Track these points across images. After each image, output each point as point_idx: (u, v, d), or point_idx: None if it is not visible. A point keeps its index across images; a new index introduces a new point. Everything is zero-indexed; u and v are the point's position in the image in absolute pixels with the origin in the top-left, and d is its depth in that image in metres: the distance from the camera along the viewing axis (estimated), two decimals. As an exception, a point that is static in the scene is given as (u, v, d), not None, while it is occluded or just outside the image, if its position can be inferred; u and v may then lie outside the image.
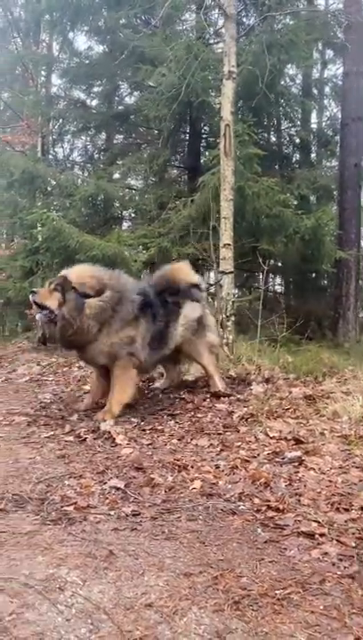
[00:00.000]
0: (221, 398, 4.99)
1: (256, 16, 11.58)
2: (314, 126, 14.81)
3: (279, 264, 11.83)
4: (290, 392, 5.17)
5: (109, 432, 3.92)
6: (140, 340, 4.60)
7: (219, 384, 5.21)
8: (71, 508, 2.58)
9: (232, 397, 5.10)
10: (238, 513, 2.51)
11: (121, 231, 10.87)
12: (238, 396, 5.16)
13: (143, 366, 4.75)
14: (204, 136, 12.70)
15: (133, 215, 11.98)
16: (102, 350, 4.47)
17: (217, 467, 3.23)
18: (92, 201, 11.77)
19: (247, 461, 3.28)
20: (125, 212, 11.93)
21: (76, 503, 2.65)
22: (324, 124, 14.56)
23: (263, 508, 2.57)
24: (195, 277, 5.39)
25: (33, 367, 7.96)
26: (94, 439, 3.88)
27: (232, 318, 6.81)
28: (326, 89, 15.39)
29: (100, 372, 4.83)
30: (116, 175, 13.02)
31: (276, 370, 6.10)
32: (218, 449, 3.60)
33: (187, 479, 3.01)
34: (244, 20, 12.06)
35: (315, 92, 14.84)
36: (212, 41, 12.31)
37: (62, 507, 2.63)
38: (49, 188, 12.73)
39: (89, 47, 14.03)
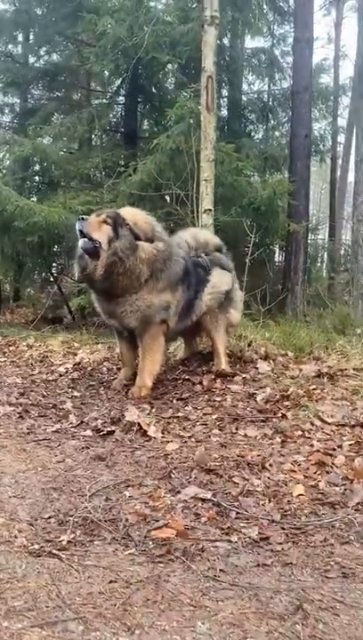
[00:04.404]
0: (228, 378, 4.46)
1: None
2: (253, 95, 14.35)
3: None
4: (300, 370, 4.71)
5: (139, 424, 3.24)
6: (174, 307, 4.18)
7: (224, 363, 4.67)
8: (171, 534, 1.92)
9: (238, 377, 4.58)
10: (395, 529, 1.96)
11: (63, 196, 9.88)
12: (244, 375, 4.64)
13: (168, 336, 4.33)
14: (146, 96, 11.85)
15: (74, 180, 10.96)
16: (138, 308, 3.99)
17: (297, 463, 2.67)
18: (27, 163, 10.67)
19: (330, 455, 2.74)
20: (65, 176, 10.86)
21: (168, 525, 1.99)
22: (265, 93, 14.12)
23: None
24: (219, 242, 4.97)
25: (-29, 347, 7.01)
26: (121, 432, 3.19)
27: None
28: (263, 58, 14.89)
29: (127, 341, 4.42)
30: (48, 138, 11.91)
31: (269, 346, 5.62)
32: (278, 440, 3.04)
33: (278, 482, 2.43)
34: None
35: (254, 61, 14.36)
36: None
37: (149, 530, 1.97)
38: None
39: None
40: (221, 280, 4.65)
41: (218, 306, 4.62)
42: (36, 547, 1.81)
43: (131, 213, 4.07)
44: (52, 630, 1.35)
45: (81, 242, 3.87)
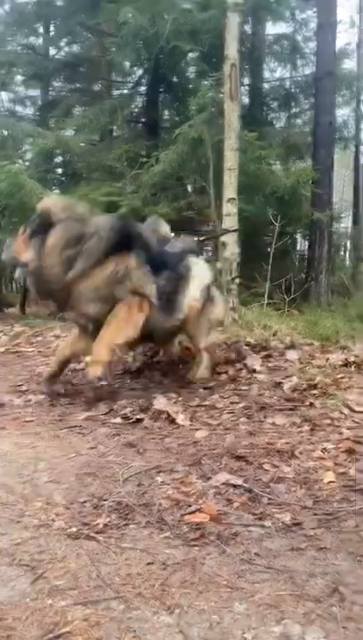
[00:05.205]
0: (259, 368, 4.45)
1: None
2: (275, 82, 14.20)
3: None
4: (327, 359, 4.71)
5: (167, 412, 3.28)
6: (135, 274, 3.57)
7: (205, 371, 4.14)
8: (204, 518, 1.95)
9: (264, 366, 4.58)
10: None
11: (86, 188, 9.92)
12: (270, 365, 4.65)
13: (154, 330, 3.79)
14: (168, 86, 11.80)
15: (96, 172, 10.99)
16: (90, 297, 3.52)
17: (327, 451, 2.68)
18: (50, 155, 10.74)
19: (360, 443, 2.75)
20: (87, 168, 10.90)
21: (201, 510, 2.02)
22: (287, 80, 13.96)
23: None
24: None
25: (0, 338, 7.13)
26: (150, 420, 3.24)
27: (237, 280, 6.21)
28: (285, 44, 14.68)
29: (85, 329, 3.82)
30: (70, 130, 11.95)
31: (294, 336, 5.61)
32: (307, 428, 3.05)
33: (308, 469, 2.45)
34: None
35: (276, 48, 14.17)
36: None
37: (183, 515, 2.01)
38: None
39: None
40: (202, 272, 4.14)
41: (202, 303, 4.05)
42: (74, 529, 1.86)
43: (48, 204, 3.69)
44: (95, 608, 1.40)
45: (16, 274, 3.69)
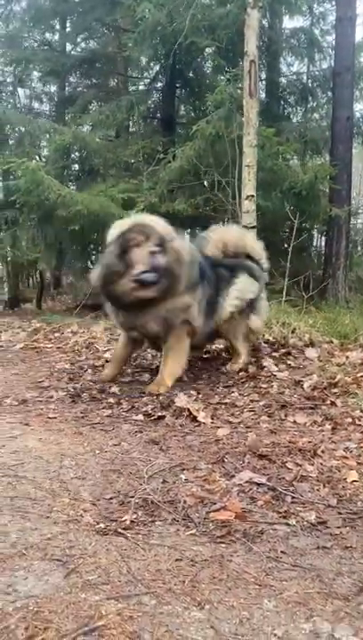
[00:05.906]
0: (280, 366, 4.48)
1: None
2: (292, 77, 14.10)
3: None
4: (347, 357, 4.71)
5: (188, 409, 3.30)
6: (196, 306, 4.04)
7: (242, 363, 4.52)
8: (229, 516, 1.98)
9: (283, 364, 4.60)
10: None
11: (103, 185, 9.95)
12: (290, 362, 4.67)
13: (196, 339, 4.20)
14: (184, 82, 11.77)
15: (113, 168, 11.02)
16: (159, 314, 3.84)
17: (349, 450, 2.70)
18: (67, 152, 10.78)
19: (382, 442, 2.77)
20: (104, 164, 10.93)
21: (225, 507, 2.05)
22: (304, 75, 13.86)
23: None
24: (261, 252, 4.75)
25: (19, 333, 7.21)
26: (172, 417, 3.27)
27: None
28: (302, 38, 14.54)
29: (129, 341, 4.31)
30: (87, 126, 11.99)
31: (313, 333, 5.61)
32: (328, 427, 3.07)
33: (331, 468, 2.47)
34: None
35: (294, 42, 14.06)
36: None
37: (208, 512, 2.04)
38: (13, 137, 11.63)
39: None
40: (246, 288, 4.46)
41: (239, 313, 4.43)
42: (102, 525, 1.90)
43: (156, 222, 3.90)
44: (126, 603, 1.43)
45: (144, 276, 3.64)
